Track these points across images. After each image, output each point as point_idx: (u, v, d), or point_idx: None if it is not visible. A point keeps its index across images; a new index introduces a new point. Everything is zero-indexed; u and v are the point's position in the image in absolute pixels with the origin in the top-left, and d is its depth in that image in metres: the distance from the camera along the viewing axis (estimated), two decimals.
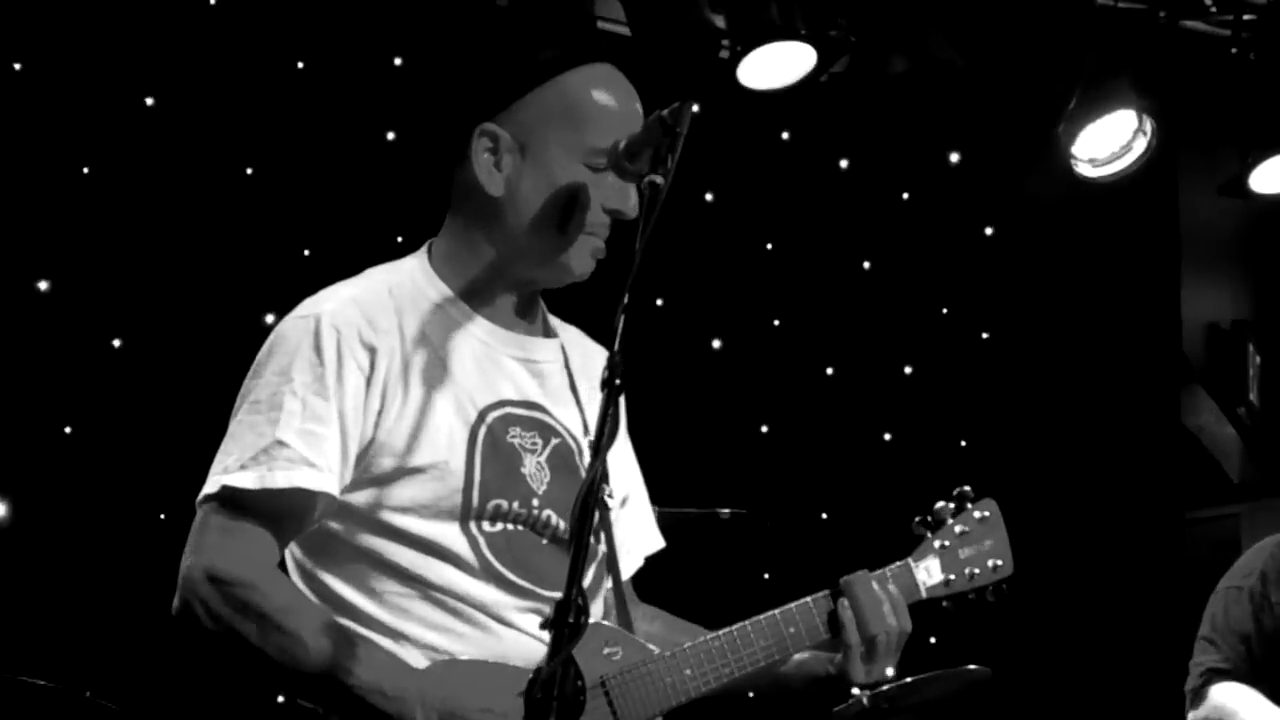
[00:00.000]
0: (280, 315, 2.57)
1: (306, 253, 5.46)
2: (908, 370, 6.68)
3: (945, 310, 6.78)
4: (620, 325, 2.18)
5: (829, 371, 6.56)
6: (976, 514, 2.86)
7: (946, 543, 2.82)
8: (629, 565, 2.81)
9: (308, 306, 2.55)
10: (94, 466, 5.12)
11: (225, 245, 5.33)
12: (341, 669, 2.37)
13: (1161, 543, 6.73)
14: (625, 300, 2.20)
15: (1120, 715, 6.22)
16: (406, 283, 2.60)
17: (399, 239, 5.67)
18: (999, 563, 2.84)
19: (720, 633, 2.62)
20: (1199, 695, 4.20)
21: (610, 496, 2.63)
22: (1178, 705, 4.31)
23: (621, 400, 2.63)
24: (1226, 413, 6.77)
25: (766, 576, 6.14)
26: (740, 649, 2.61)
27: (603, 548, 2.65)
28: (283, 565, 2.52)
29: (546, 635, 2.13)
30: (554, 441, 2.59)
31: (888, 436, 6.60)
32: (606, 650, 2.53)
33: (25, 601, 4.92)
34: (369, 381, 2.48)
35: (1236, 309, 6.96)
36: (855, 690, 4.16)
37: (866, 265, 6.68)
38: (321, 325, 2.49)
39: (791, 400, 6.44)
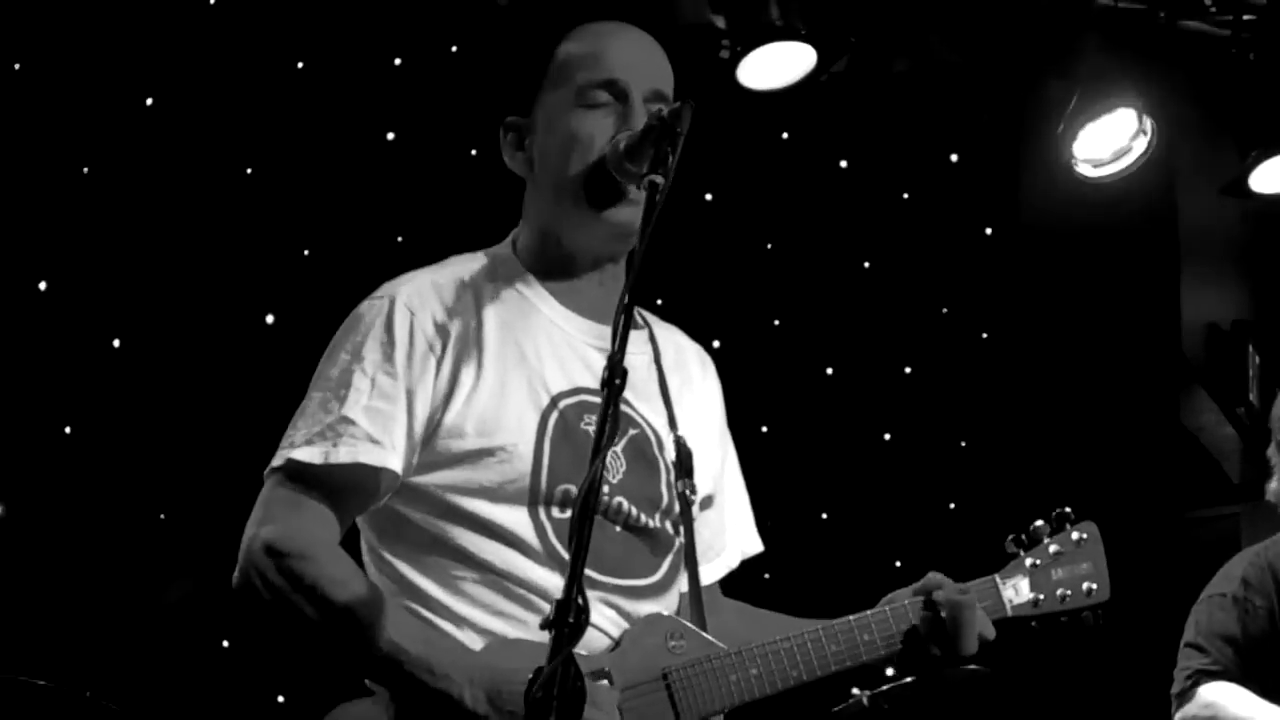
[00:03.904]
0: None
1: (306, 253, 5.46)
2: (908, 370, 6.68)
3: (945, 310, 6.77)
4: (620, 325, 2.18)
5: (829, 371, 6.56)
6: (1074, 535, 2.86)
7: (1038, 562, 2.80)
8: (719, 565, 2.80)
9: (384, 288, 2.59)
10: (94, 466, 5.12)
11: (225, 245, 5.33)
12: (391, 644, 2.37)
13: (1161, 543, 6.72)
14: (625, 300, 2.20)
15: (1119, 715, 6.22)
16: (488, 269, 2.64)
17: (399, 239, 5.71)
18: (1094, 587, 2.84)
19: (791, 634, 2.58)
20: (1186, 696, 4.20)
21: (692, 492, 2.63)
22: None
23: (717, 397, 2.78)
24: (1226, 413, 6.76)
25: (767, 576, 6.14)
26: (811, 653, 2.58)
27: (679, 541, 2.63)
28: (352, 545, 2.53)
29: (611, 625, 2.29)
30: (632, 432, 2.60)
31: (888, 436, 6.60)
32: (671, 643, 2.51)
33: (25, 601, 4.92)
34: (439, 363, 2.51)
35: (1236, 309, 6.94)
36: (855, 690, 4.16)
37: (866, 265, 6.68)
38: (395, 306, 2.54)
39: (791, 400, 6.43)
